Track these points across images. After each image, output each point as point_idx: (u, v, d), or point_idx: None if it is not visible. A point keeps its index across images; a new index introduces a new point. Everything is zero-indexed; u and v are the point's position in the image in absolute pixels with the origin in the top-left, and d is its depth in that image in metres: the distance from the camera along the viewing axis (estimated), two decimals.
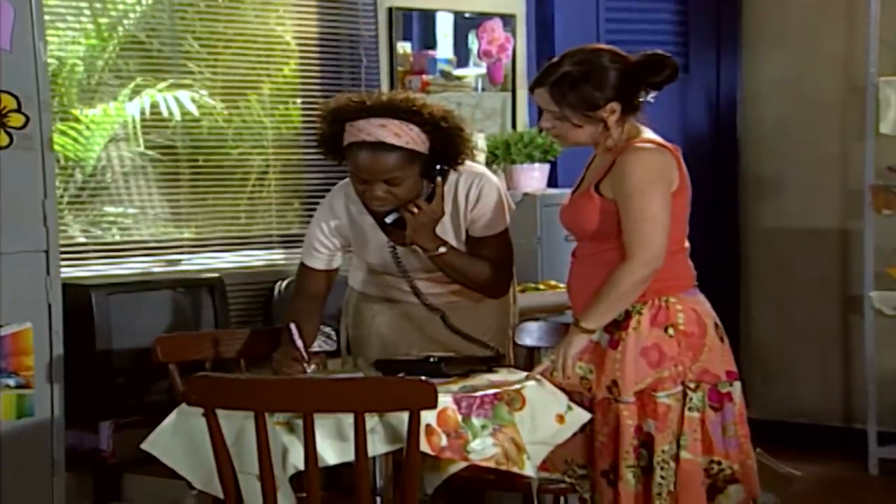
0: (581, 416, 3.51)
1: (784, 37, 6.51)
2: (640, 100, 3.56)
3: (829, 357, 6.43)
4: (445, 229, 3.80)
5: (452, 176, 3.78)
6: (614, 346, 3.51)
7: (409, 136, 3.66)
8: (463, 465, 3.29)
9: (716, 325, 3.58)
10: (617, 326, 3.52)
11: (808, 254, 6.48)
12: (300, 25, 5.69)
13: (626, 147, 3.52)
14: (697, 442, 3.49)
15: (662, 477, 3.46)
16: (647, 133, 3.57)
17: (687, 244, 3.62)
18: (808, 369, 6.51)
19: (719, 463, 3.52)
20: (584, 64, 3.53)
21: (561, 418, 3.48)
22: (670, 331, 3.50)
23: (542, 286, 5.39)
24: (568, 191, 3.75)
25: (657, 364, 3.48)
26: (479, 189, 3.81)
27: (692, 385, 3.50)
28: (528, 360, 4.02)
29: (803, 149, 6.47)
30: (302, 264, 3.94)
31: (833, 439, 6.28)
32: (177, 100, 5.32)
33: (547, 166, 5.93)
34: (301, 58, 5.71)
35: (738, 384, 3.58)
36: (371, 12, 5.82)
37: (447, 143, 3.70)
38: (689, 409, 3.48)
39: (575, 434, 3.52)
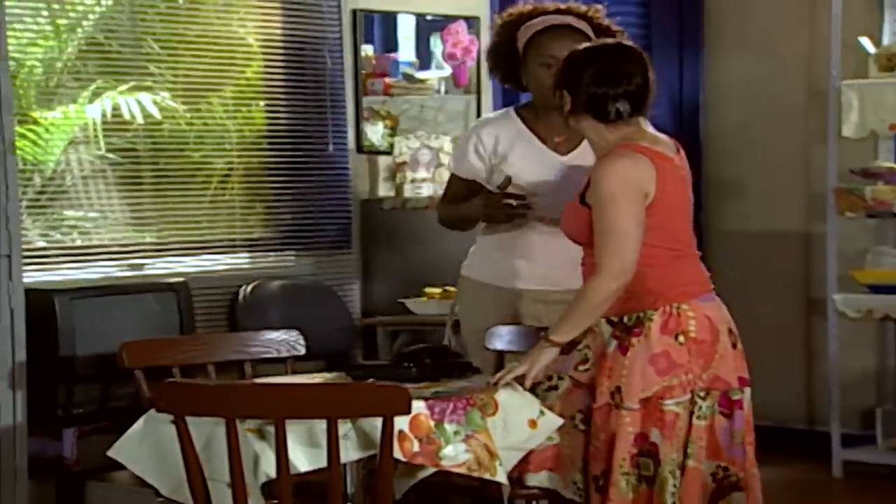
0: (553, 421, 3.48)
1: (746, 40, 6.52)
2: (609, 109, 3.49)
3: (792, 359, 6.45)
4: None
5: None
6: (624, 352, 3.48)
7: (586, 27, 3.95)
8: (432, 469, 3.27)
9: (729, 330, 3.55)
10: (627, 332, 3.48)
11: (771, 256, 6.49)
12: (264, 28, 5.66)
13: (605, 154, 3.49)
14: (702, 449, 3.46)
15: (675, 486, 3.42)
16: (643, 140, 3.51)
17: (693, 248, 3.60)
18: (771, 372, 6.50)
19: (726, 469, 3.50)
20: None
21: (533, 423, 3.46)
22: (680, 338, 3.46)
23: None
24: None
25: (666, 372, 3.44)
26: None
27: (702, 393, 3.47)
28: (497, 364, 3.99)
29: (766, 152, 6.49)
30: (454, 175, 4.18)
31: (797, 441, 6.29)
32: (139, 102, 5.27)
33: None
34: (265, 60, 5.67)
35: (748, 390, 3.55)
36: (335, 14, 5.79)
37: None
38: (698, 417, 3.46)
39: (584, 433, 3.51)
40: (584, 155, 3.87)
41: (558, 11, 4.01)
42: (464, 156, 4.14)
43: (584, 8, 4.05)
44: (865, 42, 5.90)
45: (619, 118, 3.49)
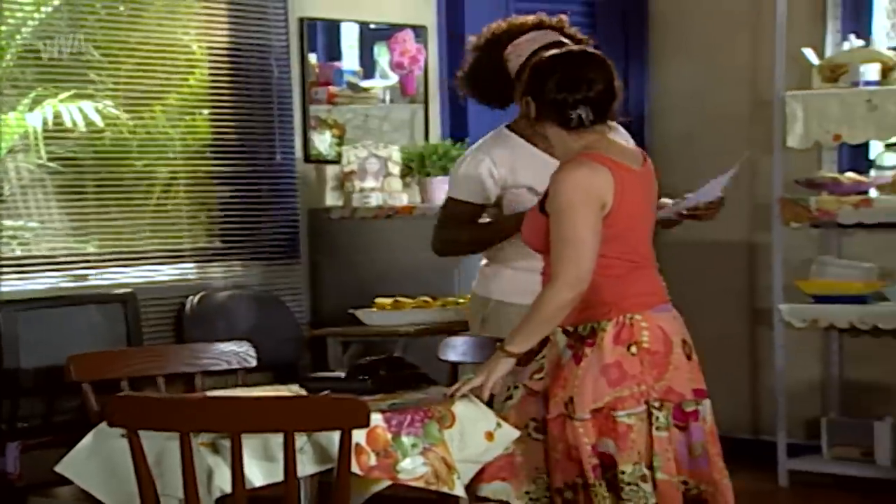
0: (510, 433, 3.45)
1: (691, 50, 6.54)
2: (570, 115, 3.45)
3: (738, 369, 6.46)
4: None
5: None
6: (577, 362, 3.45)
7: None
8: (387, 483, 3.23)
9: (683, 342, 3.52)
10: (581, 342, 3.46)
11: (716, 266, 6.51)
12: (208, 35, 5.59)
13: (565, 162, 3.47)
14: (670, 461, 3.44)
15: (625, 498, 3.39)
16: (606, 150, 3.47)
17: (652, 259, 3.57)
18: (716, 382, 6.40)
19: (686, 483, 3.48)
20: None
21: (490, 436, 3.43)
22: (633, 349, 3.44)
23: (461, 300, 5.33)
24: None
25: (617, 382, 3.42)
26: None
27: (656, 404, 3.44)
28: (451, 375, 3.96)
29: (711, 162, 6.46)
30: (456, 200, 4.05)
31: (742, 451, 6.29)
32: (80, 110, 5.19)
33: None
34: (210, 68, 5.61)
35: (706, 402, 3.53)
36: (282, 22, 5.73)
37: None
38: (657, 428, 3.43)
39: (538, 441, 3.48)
40: None
41: (536, 27, 3.99)
42: (473, 179, 4.04)
43: (553, 20, 4.05)
44: (809, 53, 5.93)
45: (581, 125, 3.46)
